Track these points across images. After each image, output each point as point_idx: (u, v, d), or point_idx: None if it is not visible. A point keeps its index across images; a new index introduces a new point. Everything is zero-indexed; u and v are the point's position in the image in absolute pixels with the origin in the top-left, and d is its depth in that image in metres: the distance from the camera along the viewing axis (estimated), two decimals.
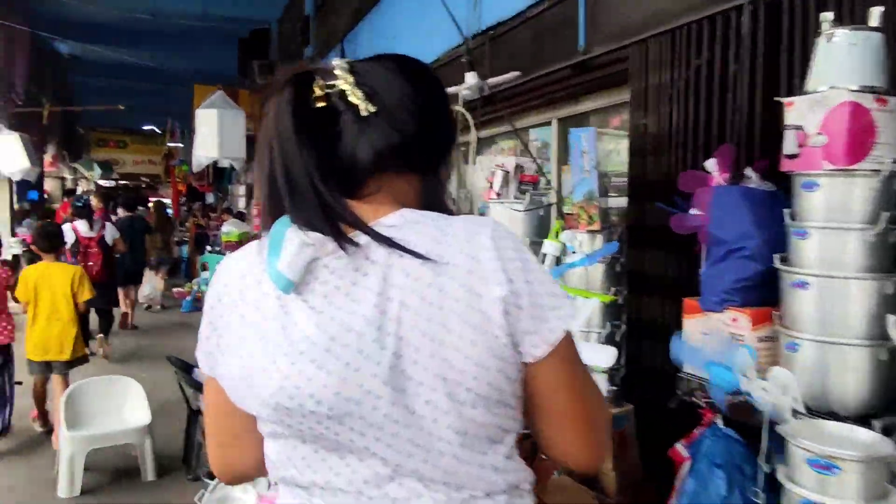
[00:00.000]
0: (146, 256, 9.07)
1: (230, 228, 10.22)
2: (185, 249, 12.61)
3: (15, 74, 12.31)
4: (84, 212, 7.34)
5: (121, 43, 13.80)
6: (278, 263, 0.82)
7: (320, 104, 0.86)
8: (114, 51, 15.10)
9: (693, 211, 2.50)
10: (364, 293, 0.81)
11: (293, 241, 0.82)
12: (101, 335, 6.96)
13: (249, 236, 10.45)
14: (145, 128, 14.10)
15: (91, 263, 6.65)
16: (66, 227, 6.74)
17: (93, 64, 16.99)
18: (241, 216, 11.17)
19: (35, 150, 12.99)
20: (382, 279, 0.81)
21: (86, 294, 4.37)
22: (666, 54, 2.87)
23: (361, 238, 0.82)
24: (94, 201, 8.61)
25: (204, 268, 8.93)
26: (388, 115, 0.86)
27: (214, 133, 7.99)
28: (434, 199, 0.92)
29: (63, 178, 18.95)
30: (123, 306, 8.27)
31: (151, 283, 9.69)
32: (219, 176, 14.88)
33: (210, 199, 14.60)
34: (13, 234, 11.83)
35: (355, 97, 0.85)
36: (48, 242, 4.50)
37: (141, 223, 8.80)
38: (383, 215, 0.85)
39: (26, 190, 14.67)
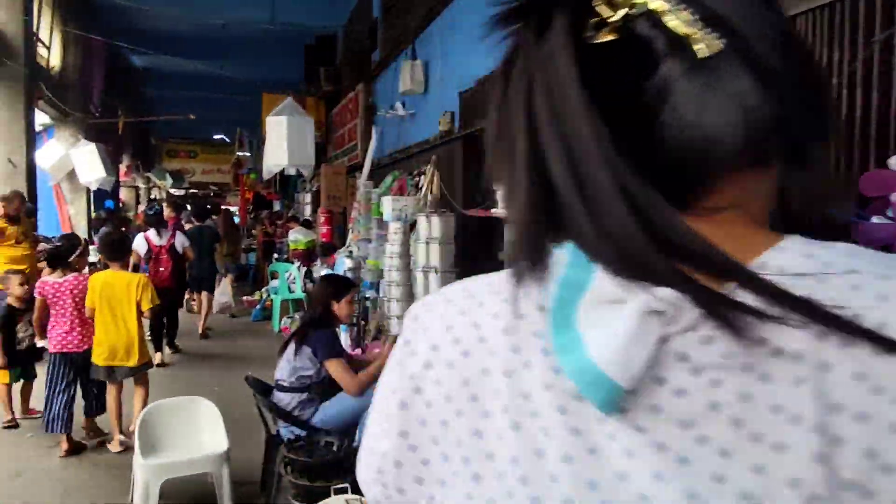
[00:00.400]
0: (215, 264, 9.21)
1: (297, 236, 10.11)
2: (253, 257, 12.64)
3: (92, 87, 12.69)
4: (155, 220, 7.73)
5: (192, 53, 14.10)
6: (589, 346, 0.41)
7: (608, 37, 0.44)
8: (185, 61, 15.53)
9: (877, 219, 2.04)
10: (775, 424, 0.39)
11: (620, 304, 0.41)
12: (167, 340, 7.28)
13: (316, 245, 10.32)
14: (215, 137, 14.39)
15: (161, 269, 7.05)
16: (140, 237, 7.26)
17: (165, 76, 17.51)
18: (307, 224, 11.07)
19: (111, 160, 13.34)
20: (815, 395, 0.38)
21: (148, 302, 4.50)
22: (827, 30, 2.40)
23: (744, 296, 0.40)
24: (166, 210, 8.92)
25: (273, 276, 8.83)
26: (750, 60, 0.42)
27: (283, 141, 7.86)
28: (811, 212, 0.48)
29: (137, 188, 19.55)
30: (200, 311, 8.54)
31: (225, 291, 9.77)
32: (285, 183, 14.98)
33: (276, 206, 14.72)
34: (91, 243, 12.12)
35: (681, 24, 0.42)
36: (112, 251, 4.69)
37: (210, 232, 8.93)
38: (760, 247, 0.44)
39: (103, 199, 15.12)
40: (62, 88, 11.20)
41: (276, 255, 12.80)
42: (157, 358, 6.65)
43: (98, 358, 4.43)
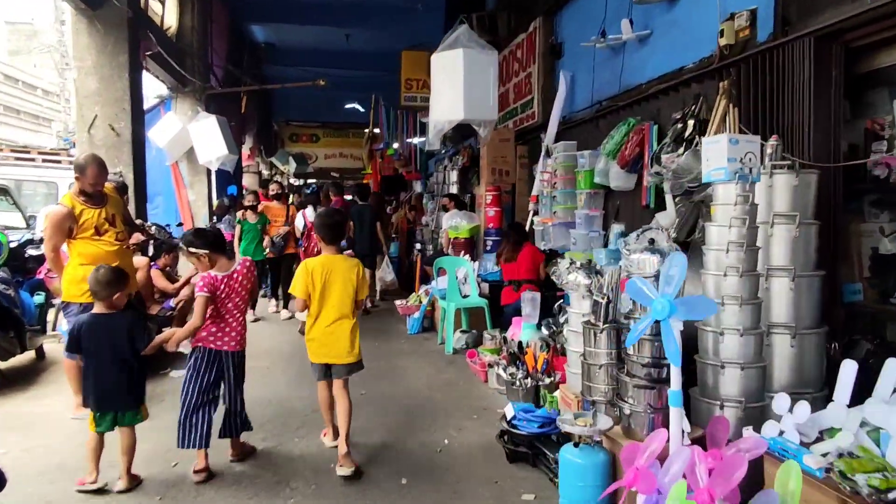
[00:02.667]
0: (377, 243, 8.80)
1: (458, 221, 7.83)
2: (395, 249, 10.57)
3: (213, 55, 11.12)
4: (312, 199, 8.69)
5: (315, 21, 12.34)
6: None
7: None
8: (308, 36, 13.87)
9: None
10: None
11: None
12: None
13: (479, 233, 8.00)
14: (347, 106, 12.57)
15: (313, 244, 7.03)
16: (299, 215, 8.26)
17: (287, 52, 16.02)
18: (461, 205, 8.80)
19: (234, 140, 11.79)
20: None
21: (365, 291, 3.81)
22: None
23: None
24: (331, 192, 9.10)
25: (440, 272, 6.59)
26: None
27: (458, 83, 5.54)
28: None
29: (259, 174, 18.29)
30: None
31: (388, 269, 9.21)
32: (421, 158, 12.89)
33: (417, 187, 12.64)
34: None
35: None
36: (333, 233, 3.78)
37: (371, 211, 8.72)
38: None
39: (225, 184, 13.71)
40: (179, 53, 9.61)
41: (417, 245, 10.69)
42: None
43: (311, 354, 3.72)
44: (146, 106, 10.52)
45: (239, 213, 8.28)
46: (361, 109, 11.96)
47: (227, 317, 3.54)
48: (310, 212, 7.95)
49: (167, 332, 3.60)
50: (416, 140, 12.68)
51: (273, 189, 8.63)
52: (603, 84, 6.06)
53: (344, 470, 3.38)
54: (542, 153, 6.86)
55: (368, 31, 12.47)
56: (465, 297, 6.24)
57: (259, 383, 4.74)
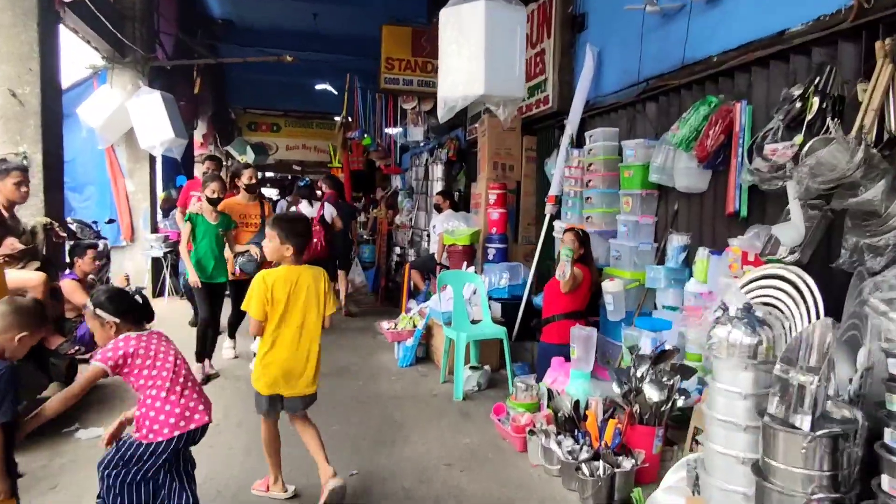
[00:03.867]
0: (351, 243, 8.30)
1: (456, 224, 6.51)
2: (371, 253, 9.15)
3: (160, 22, 9.51)
4: (306, 192, 7.52)
5: None
6: None
7: None
8: (271, 7, 12.33)
9: None
10: None
11: None
12: None
13: (479, 240, 6.70)
14: (317, 87, 11.07)
15: (315, 241, 6.59)
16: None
17: (247, 31, 14.40)
18: (454, 206, 7.47)
19: (184, 123, 10.22)
20: None
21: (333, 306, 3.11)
22: None
23: None
24: (323, 186, 8.25)
25: (441, 289, 5.22)
26: None
27: (478, 47, 4.22)
28: None
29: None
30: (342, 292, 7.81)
31: (360, 271, 8.65)
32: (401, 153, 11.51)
33: (397, 182, 11.19)
34: (154, 230, 8.98)
35: None
36: (302, 242, 3.09)
37: (349, 208, 8.27)
38: None
39: (173, 174, 12.05)
40: (117, 16, 8.01)
41: (396, 251, 9.31)
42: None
43: (263, 383, 3.00)
44: (76, 78, 8.90)
45: (193, 204, 6.73)
46: (335, 92, 10.54)
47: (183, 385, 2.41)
48: (304, 206, 7.14)
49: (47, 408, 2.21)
50: (393, 130, 11.30)
51: (247, 178, 5.70)
52: (652, 58, 4.82)
53: (336, 481, 2.88)
54: (565, 143, 5.60)
55: (339, 9, 11.02)
56: (474, 322, 4.92)
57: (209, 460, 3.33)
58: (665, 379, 3.04)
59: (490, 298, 5.67)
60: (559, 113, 6.31)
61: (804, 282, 2.98)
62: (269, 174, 26.11)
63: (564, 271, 4.27)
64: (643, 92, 4.87)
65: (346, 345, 6.20)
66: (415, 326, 5.34)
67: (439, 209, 7.37)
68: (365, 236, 10.02)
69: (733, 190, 3.72)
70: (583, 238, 4.44)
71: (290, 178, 20.29)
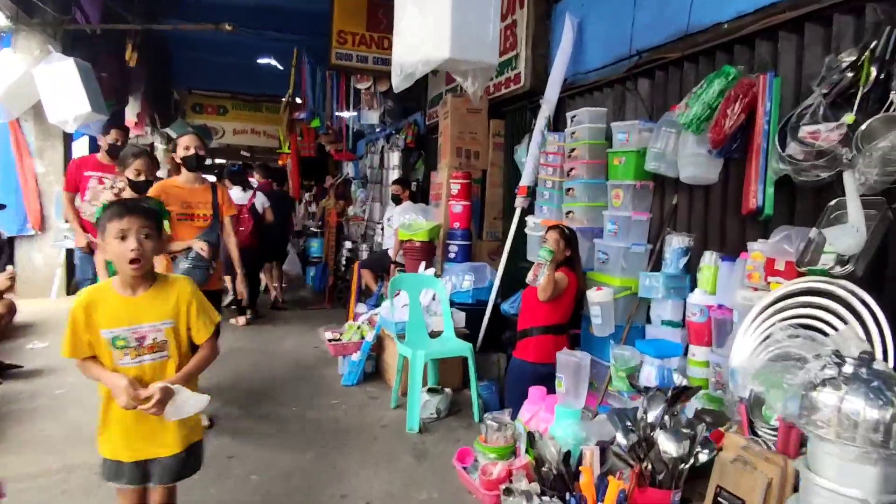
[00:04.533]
0: (288, 234, 8.03)
1: (414, 218, 5.71)
2: (318, 247, 8.24)
3: None
4: (238, 178, 7.07)
5: None
6: None
7: None
8: None
9: None
10: None
11: None
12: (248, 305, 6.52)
13: (439, 235, 5.91)
14: (260, 61, 10.01)
15: (242, 229, 6.27)
16: None
17: (192, 5, 13.20)
18: (413, 198, 6.65)
19: (113, 99, 9.14)
20: None
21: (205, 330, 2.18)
22: None
23: None
24: (257, 175, 7.90)
25: (383, 297, 4.39)
26: None
27: (445, 1, 3.42)
28: None
29: (152, 146, 15.28)
30: (269, 284, 7.61)
31: (296, 262, 8.37)
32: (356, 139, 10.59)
33: (349, 170, 10.25)
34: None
35: None
36: None
37: (287, 199, 8.01)
38: None
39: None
40: None
41: (347, 245, 8.43)
42: (240, 322, 6.46)
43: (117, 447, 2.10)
44: None
45: (97, 191, 5.72)
46: (279, 67, 9.55)
47: None
48: (237, 192, 6.83)
49: None
50: (346, 114, 10.37)
51: (184, 147, 3.96)
52: (646, 27, 4.09)
53: None
54: (540, 126, 4.85)
55: None
56: (434, 335, 4.12)
57: None
58: (685, 428, 2.32)
59: (452, 304, 4.90)
60: (532, 93, 5.56)
61: (864, 303, 2.29)
62: (218, 161, 24.69)
63: (538, 275, 3.52)
64: (635, 67, 4.15)
65: (283, 354, 5.34)
66: (362, 338, 4.52)
67: (398, 200, 6.54)
68: (313, 228, 9.12)
69: (754, 182, 3.02)
70: (569, 237, 3.70)
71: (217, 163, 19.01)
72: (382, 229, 8.23)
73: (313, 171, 14.77)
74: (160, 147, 17.06)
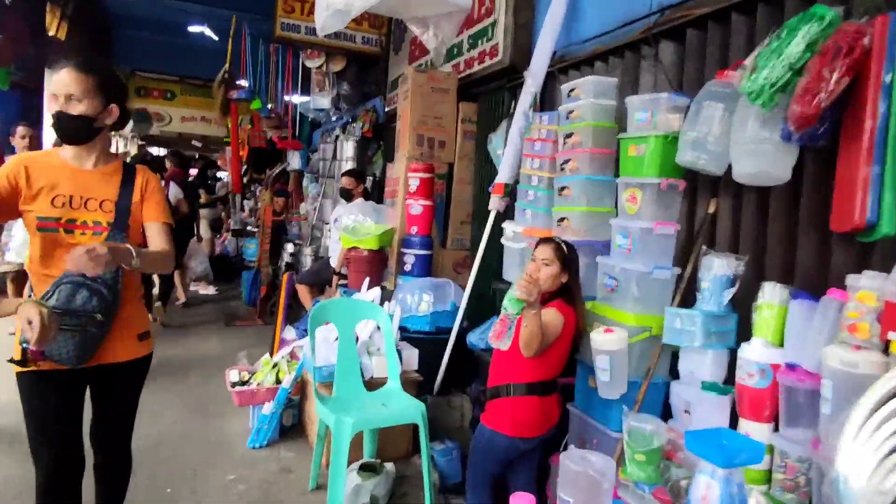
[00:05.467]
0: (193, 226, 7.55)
1: (362, 219, 4.56)
2: (251, 251, 7.00)
3: None
4: (151, 168, 4.92)
5: None
6: None
7: None
8: None
9: None
10: None
11: None
12: (160, 303, 6.08)
13: (390, 240, 4.78)
14: (191, 29, 8.73)
15: None
16: None
17: None
18: (367, 194, 5.49)
19: (16, 68, 7.81)
20: None
21: None
22: None
23: None
24: (167, 164, 7.35)
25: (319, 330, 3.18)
26: None
27: None
28: None
29: None
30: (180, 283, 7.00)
31: (202, 257, 7.57)
32: (303, 127, 9.34)
33: (295, 163, 8.99)
34: None
35: None
36: None
37: (191, 187, 7.50)
38: None
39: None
40: None
41: (289, 249, 7.22)
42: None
43: None
44: None
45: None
46: (214, 37, 8.27)
47: None
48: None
49: None
50: (297, 98, 9.14)
51: (54, 95, 2.06)
52: None
53: None
54: (524, 106, 3.74)
55: None
56: (374, 384, 2.97)
57: None
58: None
59: (404, 333, 3.77)
60: (513, 70, 4.47)
61: None
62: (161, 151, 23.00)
63: (502, 336, 2.37)
64: (654, 26, 3.08)
65: (181, 391, 4.13)
66: (278, 382, 3.34)
67: (349, 196, 5.35)
68: (250, 228, 7.88)
69: (863, 184, 1.97)
70: (566, 257, 2.61)
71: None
72: (330, 231, 7.06)
73: (266, 165, 13.45)
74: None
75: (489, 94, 4.94)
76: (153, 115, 16.41)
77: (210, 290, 7.97)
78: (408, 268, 4.57)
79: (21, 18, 7.60)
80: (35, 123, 10.27)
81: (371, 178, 6.84)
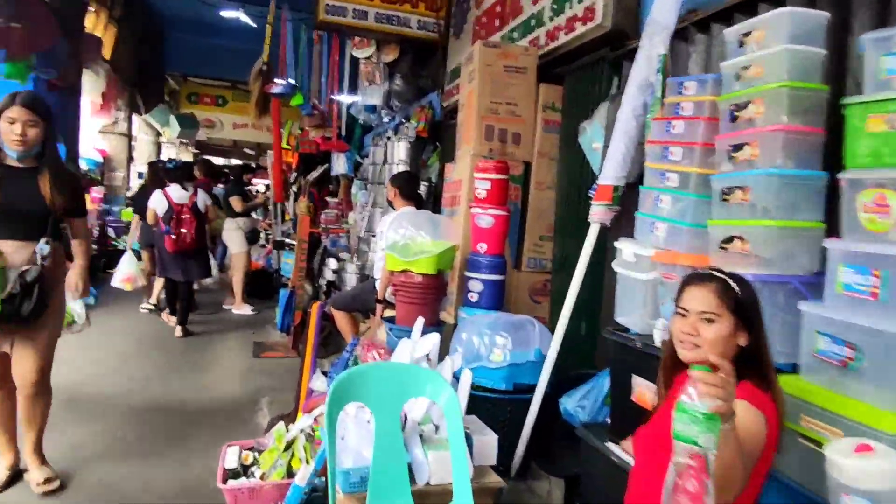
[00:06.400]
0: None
1: (413, 233, 3.48)
2: (288, 269, 6.03)
3: None
4: (176, 174, 6.28)
5: None
6: None
7: None
8: None
9: None
10: None
11: None
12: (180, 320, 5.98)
13: (451, 261, 3.68)
14: (224, 14, 7.91)
15: (184, 231, 5.95)
16: (158, 193, 6.09)
17: None
18: (417, 201, 4.41)
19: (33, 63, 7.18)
20: None
21: None
22: None
23: None
24: (196, 172, 7.03)
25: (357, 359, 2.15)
26: None
27: None
28: None
29: (129, 136, 13.29)
30: None
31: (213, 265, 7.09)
32: (352, 131, 8.43)
33: (340, 165, 7.99)
34: None
35: None
36: None
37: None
38: None
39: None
40: None
41: (332, 265, 6.24)
42: (170, 321, 6.23)
43: None
44: None
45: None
46: (252, 24, 7.47)
47: None
48: (174, 190, 6.07)
49: None
50: (344, 98, 8.22)
51: None
52: None
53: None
54: (644, 74, 2.59)
55: None
56: (427, 497, 1.88)
57: None
58: None
59: (473, 390, 2.66)
60: (617, 35, 3.35)
61: None
62: (219, 161, 22.66)
63: (686, 484, 1.20)
64: None
65: (180, 462, 3.14)
66: (291, 474, 2.28)
67: (392, 205, 4.29)
68: (289, 241, 6.97)
69: None
70: (743, 302, 1.47)
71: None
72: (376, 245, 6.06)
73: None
74: (144, 137, 15.12)
75: (580, 72, 3.81)
76: (204, 121, 15.94)
77: (245, 310, 7.09)
78: (473, 297, 3.48)
79: (47, 9, 6.94)
80: (72, 127, 9.76)
81: (426, 184, 5.81)
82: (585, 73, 3.74)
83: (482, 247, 3.50)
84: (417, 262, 3.30)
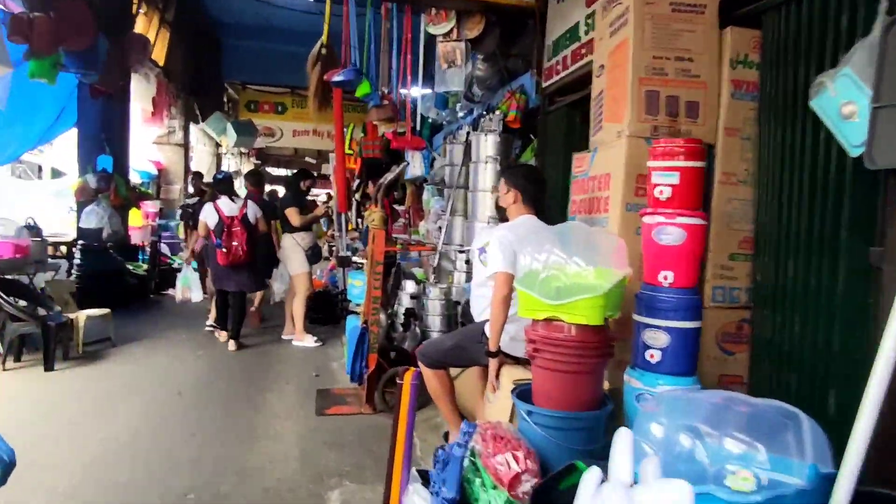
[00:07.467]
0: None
1: (554, 256, 2.21)
2: (361, 291, 4.86)
3: None
4: (224, 186, 6.18)
5: None
6: None
7: None
8: None
9: None
10: None
11: None
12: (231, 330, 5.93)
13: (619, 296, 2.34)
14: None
15: (236, 244, 5.84)
16: (209, 206, 6.01)
17: None
18: (536, 205, 3.16)
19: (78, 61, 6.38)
20: None
21: None
22: None
23: None
24: (247, 183, 7.15)
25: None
26: None
27: None
28: None
29: (185, 146, 12.58)
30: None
31: (286, 278, 6.61)
32: (420, 130, 7.26)
33: (417, 168, 6.83)
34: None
35: None
36: None
37: (271, 207, 6.65)
38: None
39: (93, 152, 8.12)
40: None
41: (409, 290, 5.05)
42: (222, 336, 6.11)
43: None
44: None
45: None
46: (314, 11, 6.40)
47: None
48: (224, 203, 5.90)
49: None
50: (416, 91, 7.12)
51: None
52: None
53: None
54: None
55: None
56: None
57: None
58: None
59: None
60: None
61: None
62: (277, 171, 22.04)
63: None
64: None
65: None
66: None
67: (500, 215, 3.05)
68: (356, 259, 5.84)
69: None
70: None
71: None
72: (467, 263, 4.82)
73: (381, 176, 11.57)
74: (202, 148, 14.46)
75: (789, 11, 2.47)
76: (264, 130, 15.20)
77: (308, 342, 6.00)
78: (654, 356, 2.20)
79: (85, 5, 6.09)
80: (121, 136, 9.04)
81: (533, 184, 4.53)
82: (801, 13, 2.40)
83: (666, 277, 2.21)
84: (572, 305, 2.04)
